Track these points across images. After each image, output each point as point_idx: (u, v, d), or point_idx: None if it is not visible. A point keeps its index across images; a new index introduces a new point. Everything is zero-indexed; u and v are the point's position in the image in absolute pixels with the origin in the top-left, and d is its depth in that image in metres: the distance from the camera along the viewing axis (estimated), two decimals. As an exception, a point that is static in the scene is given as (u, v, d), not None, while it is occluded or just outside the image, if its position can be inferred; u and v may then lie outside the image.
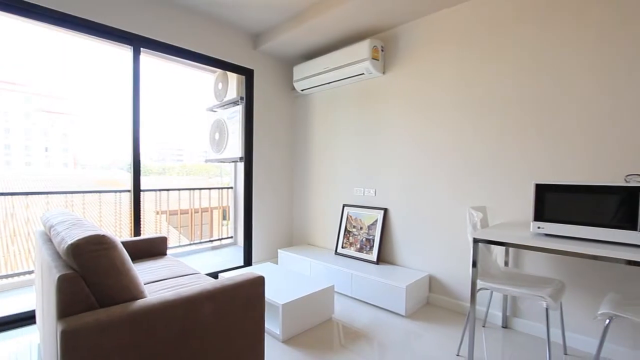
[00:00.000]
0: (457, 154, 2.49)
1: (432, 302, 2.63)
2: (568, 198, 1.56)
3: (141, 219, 2.73)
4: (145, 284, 1.82)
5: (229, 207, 4.51)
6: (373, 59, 2.76)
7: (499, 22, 2.26)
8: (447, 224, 2.55)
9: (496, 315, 2.30)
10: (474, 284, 1.73)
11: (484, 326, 2.26)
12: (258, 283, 1.52)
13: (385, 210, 2.94)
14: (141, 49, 2.63)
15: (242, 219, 3.53)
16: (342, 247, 3.18)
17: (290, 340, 2.07)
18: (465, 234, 2.42)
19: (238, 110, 3.48)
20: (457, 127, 2.48)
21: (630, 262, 1.32)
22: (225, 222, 4.65)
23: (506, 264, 2.22)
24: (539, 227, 1.64)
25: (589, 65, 1.93)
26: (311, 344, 2.02)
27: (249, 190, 3.43)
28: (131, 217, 2.67)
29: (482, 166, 2.36)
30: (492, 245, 1.94)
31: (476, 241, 1.71)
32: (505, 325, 2.25)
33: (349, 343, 2.05)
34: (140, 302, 1.20)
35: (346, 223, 3.21)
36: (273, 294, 2.17)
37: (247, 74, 3.35)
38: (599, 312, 1.49)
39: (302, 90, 3.44)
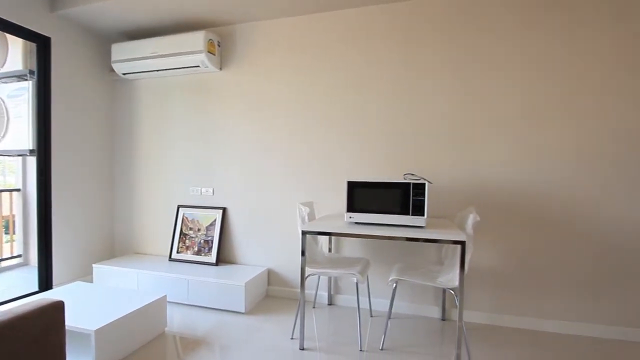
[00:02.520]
0: (288, 153, 2.70)
1: (271, 294, 2.77)
2: (369, 192, 1.96)
3: None
4: None
5: (14, 216, 3.39)
6: (209, 52, 2.64)
7: (330, 38, 2.59)
8: (284, 219, 2.73)
9: (324, 295, 2.64)
10: (303, 271, 1.93)
11: (314, 307, 2.55)
12: (54, 310, 1.20)
13: (224, 210, 2.88)
14: None
15: (35, 231, 2.71)
16: (178, 252, 2.92)
17: (107, 370, 1.74)
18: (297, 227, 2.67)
19: (26, 88, 2.65)
20: (288, 128, 2.69)
21: (408, 239, 1.77)
22: (8, 236, 3.46)
23: (330, 250, 2.58)
24: (350, 217, 1.98)
25: (384, 87, 2.47)
26: (136, 368, 1.77)
27: (45, 193, 2.66)
28: None
29: (310, 165, 2.65)
30: (318, 235, 2.22)
31: (304, 233, 1.91)
32: (330, 303, 2.61)
33: (187, 354, 1.90)
34: None
35: (182, 225, 2.96)
36: (82, 321, 1.77)
37: (40, 42, 2.59)
38: (389, 279, 1.94)
39: (124, 74, 2.94)
